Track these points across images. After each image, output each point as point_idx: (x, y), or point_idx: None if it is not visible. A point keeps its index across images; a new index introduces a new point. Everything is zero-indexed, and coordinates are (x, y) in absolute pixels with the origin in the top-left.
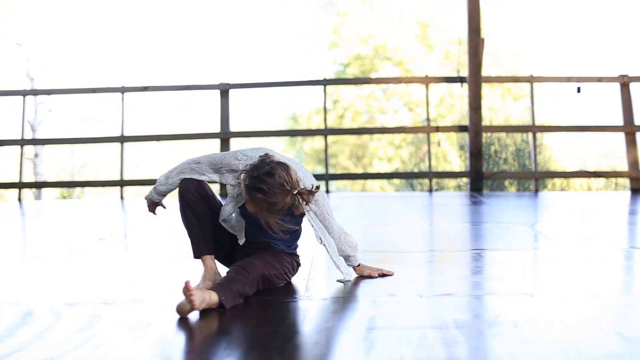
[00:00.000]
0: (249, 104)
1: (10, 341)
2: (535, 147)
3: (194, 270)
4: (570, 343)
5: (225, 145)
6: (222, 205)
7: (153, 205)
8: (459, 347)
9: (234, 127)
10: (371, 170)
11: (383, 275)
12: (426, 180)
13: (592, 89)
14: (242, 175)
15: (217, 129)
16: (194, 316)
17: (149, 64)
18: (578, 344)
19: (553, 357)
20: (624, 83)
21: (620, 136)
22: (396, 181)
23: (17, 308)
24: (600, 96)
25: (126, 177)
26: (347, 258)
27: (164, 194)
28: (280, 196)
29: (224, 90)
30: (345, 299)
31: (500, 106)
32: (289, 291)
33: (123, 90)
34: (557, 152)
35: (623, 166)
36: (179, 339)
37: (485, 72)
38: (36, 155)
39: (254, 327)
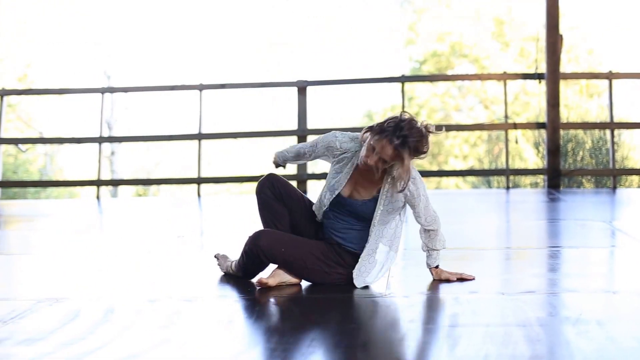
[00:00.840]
0: (326, 101)
1: (93, 338)
2: (613, 143)
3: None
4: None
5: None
6: (301, 201)
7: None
8: (542, 345)
9: (311, 124)
10: (446, 167)
11: (462, 279)
12: (501, 178)
13: None
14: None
15: (294, 126)
16: (275, 313)
17: (226, 62)
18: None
19: (638, 354)
20: None
21: None
22: (471, 179)
23: (98, 305)
24: None
25: (202, 175)
26: (430, 253)
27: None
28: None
29: (302, 88)
30: (427, 296)
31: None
32: (370, 289)
33: (201, 87)
34: (635, 149)
35: None
36: (261, 336)
37: (562, 68)
38: (112, 153)
39: (337, 324)
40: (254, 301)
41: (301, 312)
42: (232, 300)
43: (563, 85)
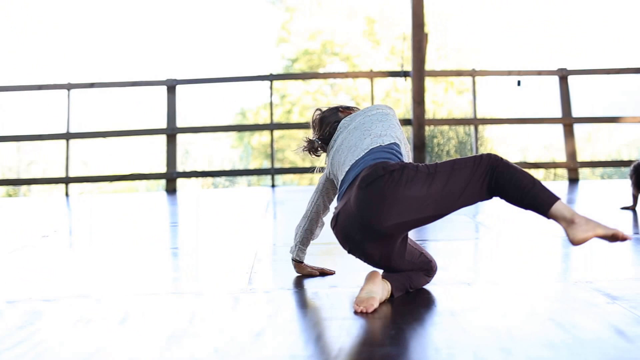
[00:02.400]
0: (198, 99)
1: None
2: (477, 139)
3: (140, 264)
4: (505, 330)
5: (171, 141)
6: None
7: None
8: (397, 337)
9: (180, 123)
10: (319, 164)
11: (324, 274)
12: None
13: (531, 82)
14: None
15: (163, 125)
16: (125, 312)
17: (95, 61)
18: (512, 330)
19: (488, 344)
20: (562, 76)
21: (559, 128)
22: None
23: None
24: (539, 89)
25: (72, 174)
26: (304, 248)
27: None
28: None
29: (171, 87)
30: (288, 291)
31: (444, 100)
32: (231, 284)
33: (69, 87)
34: (498, 144)
35: (562, 157)
36: (123, 336)
37: (429, 66)
38: None
39: (189, 323)
40: (119, 300)
41: (143, 312)
42: (94, 300)
43: (432, 82)
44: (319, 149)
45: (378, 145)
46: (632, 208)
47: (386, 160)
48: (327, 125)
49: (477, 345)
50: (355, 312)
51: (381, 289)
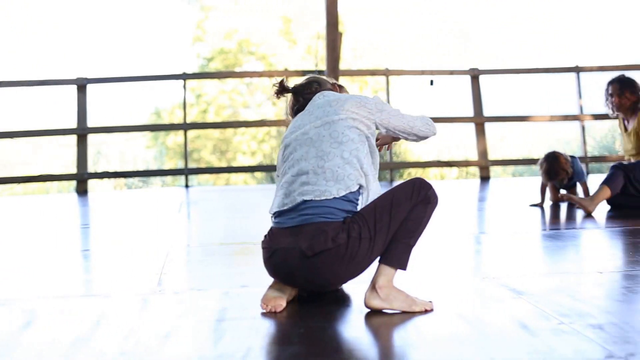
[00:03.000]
0: (111, 99)
1: None
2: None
3: (49, 266)
4: (412, 326)
5: (82, 141)
6: None
7: None
8: (307, 335)
9: (92, 122)
10: (235, 164)
11: None
12: None
13: (444, 81)
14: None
15: (74, 124)
16: (33, 318)
17: (2, 60)
18: (420, 326)
19: (396, 340)
20: (474, 76)
21: (471, 127)
22: (259, 175)
23: None
24: (451, 89)
25: None
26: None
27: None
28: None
29: (81, 85)
30: (198, 292)
31: None
32: (140, 285)
33: None
34: (412, 143)
35: (474, 156)
36: (26, 340)
37: (345, 65)
38: None
39: (94, 326)
40: (18, 304)
41: (49, 315)
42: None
43: (348, 81)
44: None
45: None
46: (541, 205)
47: (326, 221)
48: (307, 92)
49: (384, 341)
50: (264, 312)
51: (289, 288)
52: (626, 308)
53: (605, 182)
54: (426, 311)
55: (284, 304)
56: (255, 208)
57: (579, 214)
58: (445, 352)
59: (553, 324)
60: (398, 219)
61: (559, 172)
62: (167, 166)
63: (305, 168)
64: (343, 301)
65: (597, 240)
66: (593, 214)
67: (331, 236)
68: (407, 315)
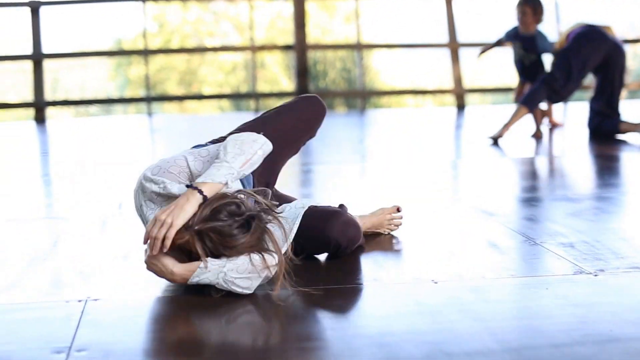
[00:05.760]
0: (68, 24)
1: None
2: (361, 65)
3: (8, 191)
4: (379, 244)
5: (38, 68)
6: None
7: None
8: None
9: (47, 48)
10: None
11: None
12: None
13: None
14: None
15: (29, 50)
16: None
17: None
18: (383, 244)
19: (362, 256)
20: (448, 0)
21: (446, 53)
22: (225, 105)
23: None
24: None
25: None
26: None
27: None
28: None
29: (35, 8)
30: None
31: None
32: (99, 209)
33: None
34: (385, 71)
35: (449, 83)
36: None
37: None
38: None
39: None
40: None
41: (7, 237)
42: None
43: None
44: None
45: None
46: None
47: None
48: None
49: (350, 264)
50: None
51: None
52: (597, 227)
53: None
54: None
55: None
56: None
57: (561, 139)
58: (412, 269)
59: (523, 244)
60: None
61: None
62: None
63: None
64: None
65: (574, 165)
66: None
67: None
68: (399, 234)
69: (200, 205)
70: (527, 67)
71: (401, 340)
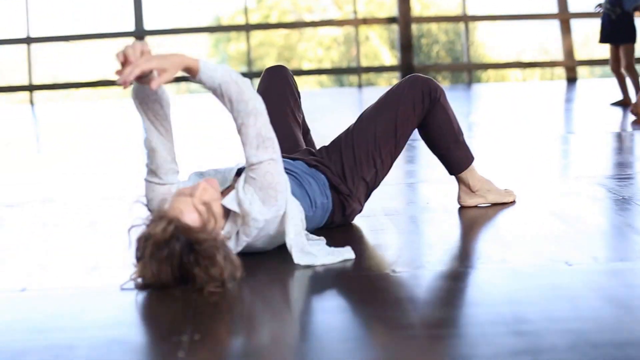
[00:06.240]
0: (170, 2)
1: None
2: (467, 38)
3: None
4: (503, 223)
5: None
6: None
7: None
8: (386, 234)
9: (149, 25)
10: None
11: None
12: (355, 77)
13: None
14: None
15: (131, 27)
16: None
17: None
18: (507, 224)
19: (485, 237)
20: None
21: (555, 24)
22: (325, 80)
23: None
24: None
25: (36, 82)
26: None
27: None
28: None
29: None
30: None
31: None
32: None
33: None
34: (491, 44)
35: (559, 56)
36: (91, 238)
37: None
38: None
39: None
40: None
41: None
42: (60, 204)
43: None
44: None
45: None
46: (623, 103)
47: None
48: None
49: (471, 238)
50: None
51: None
52: None
53: None
54: (514, 201)
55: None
56: (325, 111)
57: None
58: (541, 250)
59: None
60: (406, 135)
61: None
62: None
63: None
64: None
65: None
66: None
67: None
68: (499, 212)
69: (181, 67)
70: (614, 22)
71: (541, 328)
